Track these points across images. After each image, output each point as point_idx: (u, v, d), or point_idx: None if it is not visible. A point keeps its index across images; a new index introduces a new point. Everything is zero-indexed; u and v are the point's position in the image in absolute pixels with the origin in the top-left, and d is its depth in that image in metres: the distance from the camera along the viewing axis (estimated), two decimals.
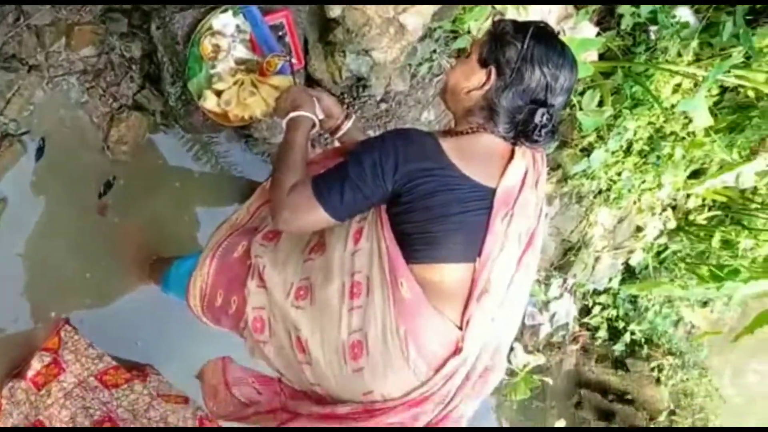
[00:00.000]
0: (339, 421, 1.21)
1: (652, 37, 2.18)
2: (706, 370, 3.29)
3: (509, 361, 2.99)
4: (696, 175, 2.75)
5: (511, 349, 3.04)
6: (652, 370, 3.13)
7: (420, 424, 1.20)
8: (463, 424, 1.27)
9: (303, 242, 1.26)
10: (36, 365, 1.42)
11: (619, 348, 3.24)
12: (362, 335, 1.12)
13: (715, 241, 2.80)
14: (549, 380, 3.10)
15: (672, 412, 3.13)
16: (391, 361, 1.11)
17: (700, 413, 3.14)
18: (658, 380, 3.14)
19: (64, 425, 1.29)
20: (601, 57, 2.23)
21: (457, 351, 1.11)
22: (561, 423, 3.24)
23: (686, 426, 3.06)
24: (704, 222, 2.92)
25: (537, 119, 1.11)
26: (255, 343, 1.28)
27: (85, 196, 1.65)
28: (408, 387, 1.13)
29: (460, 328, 1.11)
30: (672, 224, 2.90)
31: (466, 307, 1.11)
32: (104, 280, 1.68)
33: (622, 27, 2.12)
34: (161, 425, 1.28)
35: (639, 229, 2.95)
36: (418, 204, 1.08)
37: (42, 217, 1.58)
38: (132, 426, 1.27)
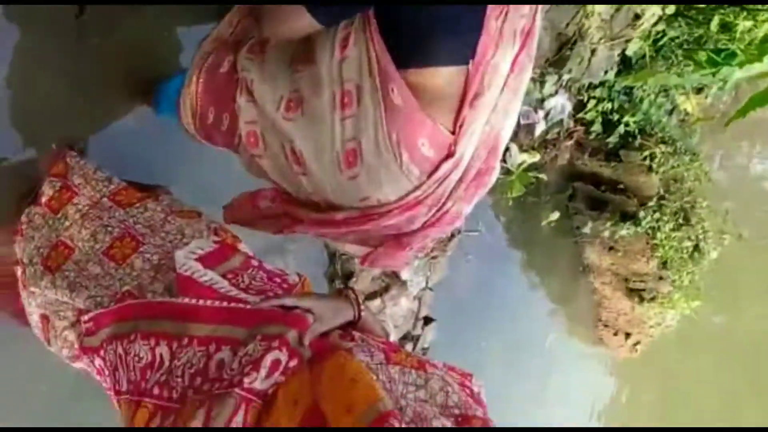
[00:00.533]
0: (336, 226, 1.27)
1: None
2: (697, 156, 3.36)
3: (504, 161, 3.06)
4: None
5: (507, 149, 3.09)
6: (645, 159, 3.20)
7: (414, 226, 1.25)
8: (458, 225, 1.32)
9: (289, 54, 1.22)
10: (48, 191, 1.46)
11: (612, 140, 3.28)
12: (356, 144, 1.13)
13: (714, 25, 2.71)
14: (543, 176, 3.19)
15: (662, 197, 3.25)
16: (385, 168, 1.12)
17: (688, 196, 3.27)
18: (649, 168, 3.22)
19: (84, 243, 1.34)
20: None
21: (450, 155, 1.11)
22: (555, 215, 3.40)
23: (674, 207, 3.20)
24: (703, 6, 2.80)
25: None
26: (250, 159, 1.30)
27: (62, 18, 1.57)
28: (402, 191, 1.16)
29: (453, 133, 1.10)
30: (670, 9, 2.79)
31: (459, 111, 1.09)
32: (98, 106, 1.67)
33: None
34: (178, 237, 1.32)
35: (637, 16, 2.84)
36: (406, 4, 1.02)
37: (21, 46, 1.52)
38: (151, 239, 1.31)
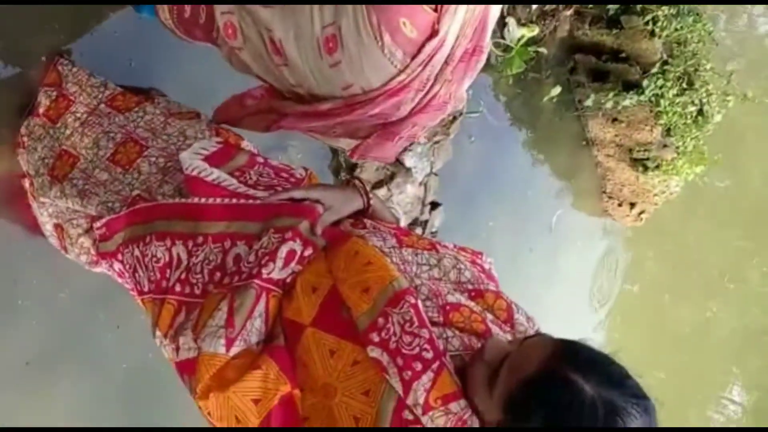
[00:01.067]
0: (322, 117, 1.25)
1: None
2: (700, 16, 3.25)
3: (503, 37, 2.97)
4: None
5: (505, 24, 2.99)
6: (647, 23, 3.09)
7: (401, 113, 1.22)
8: (449, 110, 1.28)
9: None
10: (44, 101, 1.44)
11: (613, 6, 3.16)
12: (335, 28, 1.09)
13: None
14: (543, 50, 3.11)
15: (665, 63, 3.18)
16: (367, 51, 1.09)
17: (692, 59, 3.20)
18: (652, 33, 3.12)
19: (88, 150, 1.34)
20: None
21: (434, 34, 1.07)
22: (556, 90, 3.34)
23: (678, 72, 3.14)
24: None
25: None
26: (230, 52, 1.26)
27: None
28: (386, 76, 1.12)
29: (436, 11, 1.05)
30: None
31: None
32: (80, 9, 1.62)
33: None
34: (181, 140, 1.31)
35: None
36: None
37: None
38: (154, 142, 1.30)
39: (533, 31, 3.00)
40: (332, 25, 1.09)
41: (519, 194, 3.45)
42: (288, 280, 1.03)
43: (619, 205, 3.90)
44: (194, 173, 1.17)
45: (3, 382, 1.71)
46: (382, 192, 2.58)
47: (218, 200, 1.13)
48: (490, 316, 0.99)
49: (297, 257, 1.03)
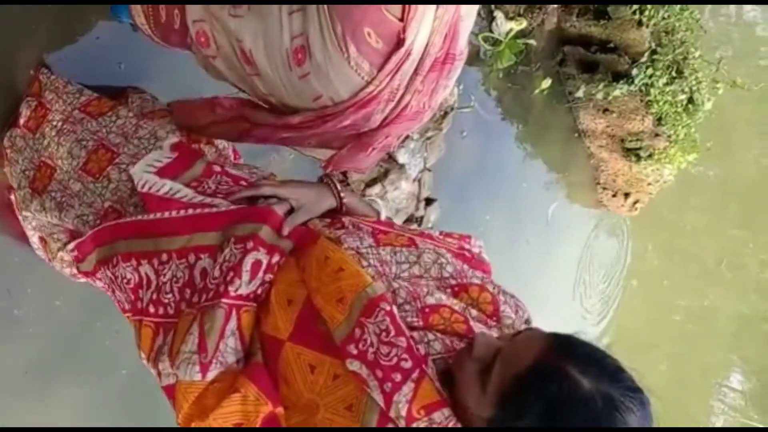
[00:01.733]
0: (294, 130, 1.23)
1: None
2: (687, 5, 3.26)
3: (492, 31, 2.98)
4: None
5: (493, 18, 3.00)
6: (634, 13, 3.10)
7: (372, 124, 1.21)
8: (425, 119, 1.26)
9: None
10: (25, 112, 1.42)
11: None
12: (303, 39, 1.08)
13: None
14: (533, 42, 3.12)
15: (653, 52, 3.19)
16: (333, 63, 1.07)
17: (680, 47, 3.20)
18: (639, 23, 3.13)
19: (63, 161, 1.31)
20: None
21: (400, 43, 1.05)
22: (547, 83, 3.35)
23: (667, 61, 3.15)
24: None
25: None
26: (205, 60, 1.25)
27: None
28: (354, 88, 1.11)
29: (402, 20, 1.02)
30: None
31: None
32: (63, 16, 1.61)
33: None
34: (152, 142, 1.27)
35: None
36: None
37: None
38: (125, 147, 1.27)
39: (521, 24, 3.01)
40: (300, 36, 1.08)
41: (513, 188, 3.45)
42: (260, 291, 0.99)
43: (614, 195, 3.91)
44: (145, 189, 1.13)
45: (2, 391, 1.69)
46: (376, 189, 2.57)
47: (174, 213, 1.09)
48: (474, 312, 0.97)
49: (264, 267, 0.99)
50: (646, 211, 4.04)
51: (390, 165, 2.62)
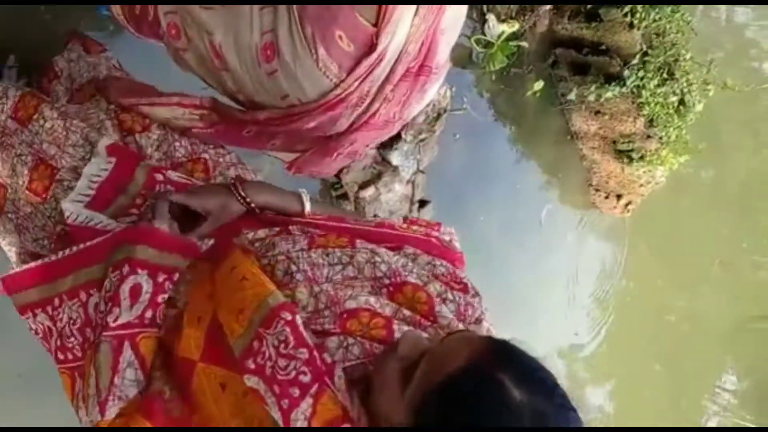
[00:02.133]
0: (259, 125, 1.21)
1: None
2: (679, 6, 3.28)
3: (484, 33, 3.00)
4: None
5: (485, 20, 3.02)
6: (625, 15, 3.12)
7: (338, 128, 1.19)
8: (395, 131, 1.24)
9: None
10: None
11: None
12: (273, 36, 1.07)
13: None
14: (525, 44, 3.13)
15: (645, 54, 3.20)
16: (301, 63, 1.06)
17: (671, 50, 3.22)
18: (630, 25, 3.15)
19: (9, 179, 1.22)
20: None
21: (372, 48, 1.03)
22: (539, 85, 3.36)
23: (658, 63, 3.17)
24: None
25: None
26: (176, 52, 1.25)
27: None
28: (322, 89, 1.10)
29: (376, 25, 1.01)
30: None
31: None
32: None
33: None
34: (87, 149, 1.18)
35: None
36: None
37: None
38: (62, 160, 1.18)
39: (513, 26, 3.03)
40: (270, 33, 1.07)
41: (506, 190, 3.46)
42: (150, 314, 0.93)
43: (606, 197, 3.91)
44: (76, 222, 1.07)
45: None
46: (369, 191, 2.58)
47: (67, 252, 1.02)
48: (407, 313, 0.92)
49: (147, 289, 0.93)
50: (638, 213, 4.06)
51: (383, 167, 2.63)
